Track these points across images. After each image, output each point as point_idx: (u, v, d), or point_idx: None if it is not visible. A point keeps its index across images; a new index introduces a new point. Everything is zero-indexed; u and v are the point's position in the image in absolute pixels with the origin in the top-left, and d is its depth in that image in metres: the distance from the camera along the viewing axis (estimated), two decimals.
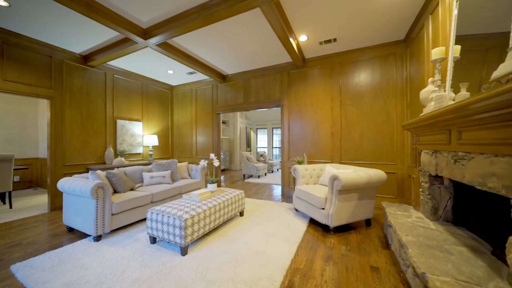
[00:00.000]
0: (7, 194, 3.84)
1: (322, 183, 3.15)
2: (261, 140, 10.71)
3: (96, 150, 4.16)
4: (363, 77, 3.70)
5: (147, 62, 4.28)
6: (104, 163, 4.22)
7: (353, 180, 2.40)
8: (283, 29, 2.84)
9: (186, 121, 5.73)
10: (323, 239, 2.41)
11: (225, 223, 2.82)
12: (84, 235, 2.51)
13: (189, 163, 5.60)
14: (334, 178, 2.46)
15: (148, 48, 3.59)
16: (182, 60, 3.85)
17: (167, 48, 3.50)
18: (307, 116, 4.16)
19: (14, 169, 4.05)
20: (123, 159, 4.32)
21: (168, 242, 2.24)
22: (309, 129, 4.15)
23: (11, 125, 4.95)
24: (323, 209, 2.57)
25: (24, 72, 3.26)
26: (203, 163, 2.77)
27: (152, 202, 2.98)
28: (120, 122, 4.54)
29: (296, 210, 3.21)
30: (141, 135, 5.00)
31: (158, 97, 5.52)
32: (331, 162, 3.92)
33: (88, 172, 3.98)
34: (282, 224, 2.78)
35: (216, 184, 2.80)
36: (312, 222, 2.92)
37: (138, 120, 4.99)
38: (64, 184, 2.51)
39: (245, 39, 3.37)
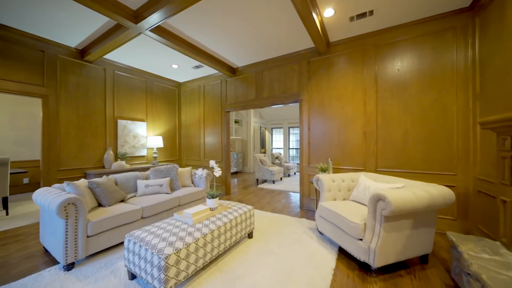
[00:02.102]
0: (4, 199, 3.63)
1: (355, 199, 2.41)
2: (277, 141, 10.02)
3: (95, 153, 3.82)
4: (407, 62, 2.87)
5: (148, 56, 3.85)
6: (103, 167, 3.87)
7: (408, 202, 1.66)
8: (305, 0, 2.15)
9: (194, 121, 5.27)
10: (362, 285, 1.70)
11: (228, 249, 2.22)
12: (56, 261, 2.07)
13: (192, 168, 5.12)
14: (377, 198, 1.74)
15: (147, 39, 3.13)
16: (184, 50, 3.33)
17: (165, 35, 3.00)
18: (332, 112, 3.41)
19: (19, 173, 3.86)
20: (123, 162, 3.94)
21: (147, 283, 1.69)
22: (334, 129, 3.40)
23: (20, 126, 4.86)
24: (361, 240, 1.85)
25: (12, 68, 2.97)
26: (200, 172, 2.20)
27: (142, 218, 2.48)
28: (121, 122, 4.17)
29: (320, 232, 2.51)
30: (145, 136, 4.61)
31: (164, 95, 5.11)
32: (364, 170, 3.14)
33: (85, 177, 3.64)
34: (302, 255, 2.10)
35: (217, 198, 2.21)
36: (342, 251, 2.20)
37: (142, 120, 4.61)
38: (38, 196, 2.09)
39: (257, 19, 2.73)
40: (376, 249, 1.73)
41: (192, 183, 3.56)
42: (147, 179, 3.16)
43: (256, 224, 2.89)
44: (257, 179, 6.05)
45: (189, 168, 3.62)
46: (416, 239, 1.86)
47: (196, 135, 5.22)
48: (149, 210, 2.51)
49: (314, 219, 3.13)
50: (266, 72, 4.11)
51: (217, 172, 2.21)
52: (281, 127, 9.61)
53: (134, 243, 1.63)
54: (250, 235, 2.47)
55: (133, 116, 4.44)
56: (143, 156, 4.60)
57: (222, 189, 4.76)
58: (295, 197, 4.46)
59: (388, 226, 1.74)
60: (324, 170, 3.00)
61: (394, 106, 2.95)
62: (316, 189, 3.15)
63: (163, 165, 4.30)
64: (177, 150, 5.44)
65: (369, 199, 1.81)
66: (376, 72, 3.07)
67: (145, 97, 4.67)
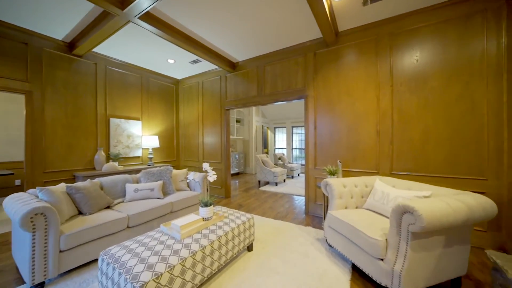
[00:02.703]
0: None
1: (371, 207, 2.09)
2: (280, 141, 9.71)
3: (85, 153, 3.57)
4: (427, 52, 2.54)
5: (142, 50, 3.58)
6: (94, 168, 3.62)
7: (443, 216, 1.34)
8: None
9: (193, 120, 4.99)
10: None
11: (224, 266, 1.93)
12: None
13: (189, 169, 4.84)
14: (403, 210, 1.42)
15: (139, 31, 2.86)
16: (180, 42, 3.05)
17: (157, 25, 2.72)
18: (341, 109, 3.10)
19: (5, 174, 3.63)
20: (116, 164, 3.68)
21: None
22: (343, 127, 3.08)
23: (11, 125, 4.65)
24: (382, 260, 1.54)
25: None
26: (192, 176, 1.90)
27: (128, 227, 2.20)
28: (114, 121, 3.92)
29: (329, 245, 2.20)
30: (140, 135, 4.35)
31: (161, 93, 4.85)
32: (377, 174, 2.82)
33: (74, 179, 3.40)
34: (310, 274, 1.80)
35: (211, 207, 1.92)
36: (357, 269, 1.89)
37: (137, 119, 4.35)
38: (6, 204, 1.83)
39: (258, 5, 2.44)
40: (402, 273, 1.41)
41: (188, 186, 3.28)
42: (137, 182, 2.89)
43: (256, 234, 2.59)
44: (259, 181, 5.75)
45: (184, 170, 3.33)
46: (449, 258, 1.54)
47: (195, 135, 4.95)
48: (136, 218, 2.24)
49: (321, 228, 2.82)
50: (269, 66, 3.81)
51: (211, 177, 1.92)
52: (284, 127, 9.29)
53: (108, 263, 1.35)
54: (249, 248, 2.18)
55: (127, 114, 4.19)
56: (138, 157, 4.35)
57: (221, 192, 4.47)
58: (300, 201, 4.14)
59: (417, 245, 1.42)
60: (332, 173, 2.69)
61: (412, 102, 2.62)
62: (323, 194, 2.83)
63: (156, 167, 4.04)
64: (175, 151, 5.18)
65: (392, 211, 1.50)
66: (391, 64, 2.75)
67: (140, 95, 4.41)
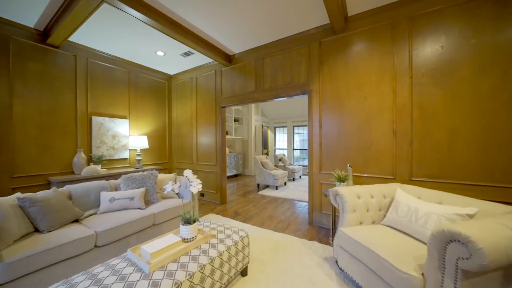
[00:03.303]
0: None
1: (393, 225, 1.70)
2: (280, 141, 9.31)
3: (62, 156, 3.19)
4: (454, 37, 2.15)
5: (128, 41, 3.20)
6: (73, 172, 3.24)
7: (509, 247, 0.95)
8: None
9: (186, 118, 4.61)
10: None
11: None
12: None
13: (177, 174, 4.45)
14: (450, 238, 1.04)
15: (123, 18, 2.48)
16: (168, 30, 2.67)
17: (139, 7, 2.34)
18: (351, 105, 2.71)
19: None
20: (98, 167, 3.31)
21: None
22: (353, 126, 2.69)
23: None
24: None
25: None
26: (170, 187, 1.51)
27: (97, 246, 1.82)
28: (97, 119, 3.54)
29: (340, 268, 1.81)
30: (128, 135, 3.98)
31: (151, 89, 4.47)
32: (394, 180, 2.42)
33: (49, 185, 3.02)
34: None
35: (195, 224, 1.54)
36: None
37: (124, 117, 3.97)
38: None
39: None
40: None
41: (176, 193, 2.90)
42: (116, 189, 2.51)
43: (253, 250, 2.21)
44: (258, 184, 5.37)
45: (172, 175, 2.95)
46: None
47: (188, 135, 4.57)
48: (107, 235, 1.86)
49: (328, 243, 2.43)
50: (268, 58, 3.42)
51: (195, 187, 1.54)
52: (285, 126, 8.90)
53: None
54: (243, 272, 1.79)
55: (113, 112, 3.81)
56: (125, 159, 3.97)
57: (216, 197, 4.09)
58: (302, 208, 3.76)
59: (469, 285, 1.03)
60: (342, 180, 2.30)
61: (437, 96, 2.23)
62: (330, 202, 2.45)
63: (145, 170, 3.66)
64: (167, 152, 4.80)
65: (431, 238, 1.11)
66: (410, 51, 2.35)
67: (127, 91, 4.03)
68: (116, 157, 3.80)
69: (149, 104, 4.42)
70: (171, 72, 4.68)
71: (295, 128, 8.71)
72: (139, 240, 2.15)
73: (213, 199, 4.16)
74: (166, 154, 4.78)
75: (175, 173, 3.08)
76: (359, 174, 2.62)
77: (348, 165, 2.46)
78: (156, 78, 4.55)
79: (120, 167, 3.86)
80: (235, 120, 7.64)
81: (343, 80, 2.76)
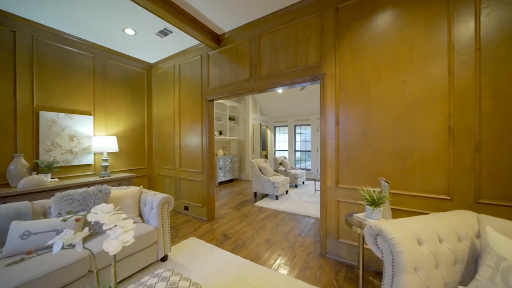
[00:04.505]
0: None
1: None
2: (281, 142, 8.54)
3: None
4: None
5: (84, 13, 2.42)
6: (8, 184, 2.46)
7: None
8: None
9: (168, 115, 3.84)
10: None
11: None
12: None
13: (142, 187, 3.65)
14: None
15: None
16: None
17: None
18: (381, 93, 1.93)
19: None
20: (46, 178, 2.53)
21: None
22: (386, 123, 1.92)
23: None
24: None
25: None
26: (66, 232, 0.76)
27: None
28: (47, 115, 2.76)
29: None
30: (92, 136, 3.19)
31: (126, 79, 3.69)
32: (450, 200, 1.65)
33: None
34: None
35: None
36: None
37: (86, 113, 3.19)
38: None
39: None
40: None
41: (140, 215, 2.12)
42: (45, 215, 1.73)
43: None
44: (255, 193, 4.59)
45: (136, 189, 2.17)
46: None
47: (171, 135, 3.79)
48: None
49: (350, 286, 1.66)
50: (266, 36, 2.65)
51: (114, 241, 0.76)
52: (286, 125, 8.12)
53: None
54: None
55: (70, 107, 3.03)
56: (88, 166, 3.19)
57: (202, 212, 3.32)
58: (309, 227, 2.98)
59: None
60: (376, 203, 1.53)
61: None
62: (351, 228, 1.67)
63: (115, 178, 2.84)
64: (146, 155, 4.02)
65: None
66: (478, 10, 1.58)
67: (92, 81, 3.25)
68: (75, 163, 3.02)
69: (122, 98, 3.64)
70: (151, 60, 3.90)
71: (297, 127, 7.94)
72: None
73: (199, 215, 3.38)
74: (144, 158, 4.00)
75: (141, 186, 2.30)
76: (395, 192, 1.85)
77: (382, 179, 1.67)
78: (131, 67, 3.77)
79: (80, 175, 3.07)
80: (231, 118, 6.86)
81: (370, 59, 1.98)
